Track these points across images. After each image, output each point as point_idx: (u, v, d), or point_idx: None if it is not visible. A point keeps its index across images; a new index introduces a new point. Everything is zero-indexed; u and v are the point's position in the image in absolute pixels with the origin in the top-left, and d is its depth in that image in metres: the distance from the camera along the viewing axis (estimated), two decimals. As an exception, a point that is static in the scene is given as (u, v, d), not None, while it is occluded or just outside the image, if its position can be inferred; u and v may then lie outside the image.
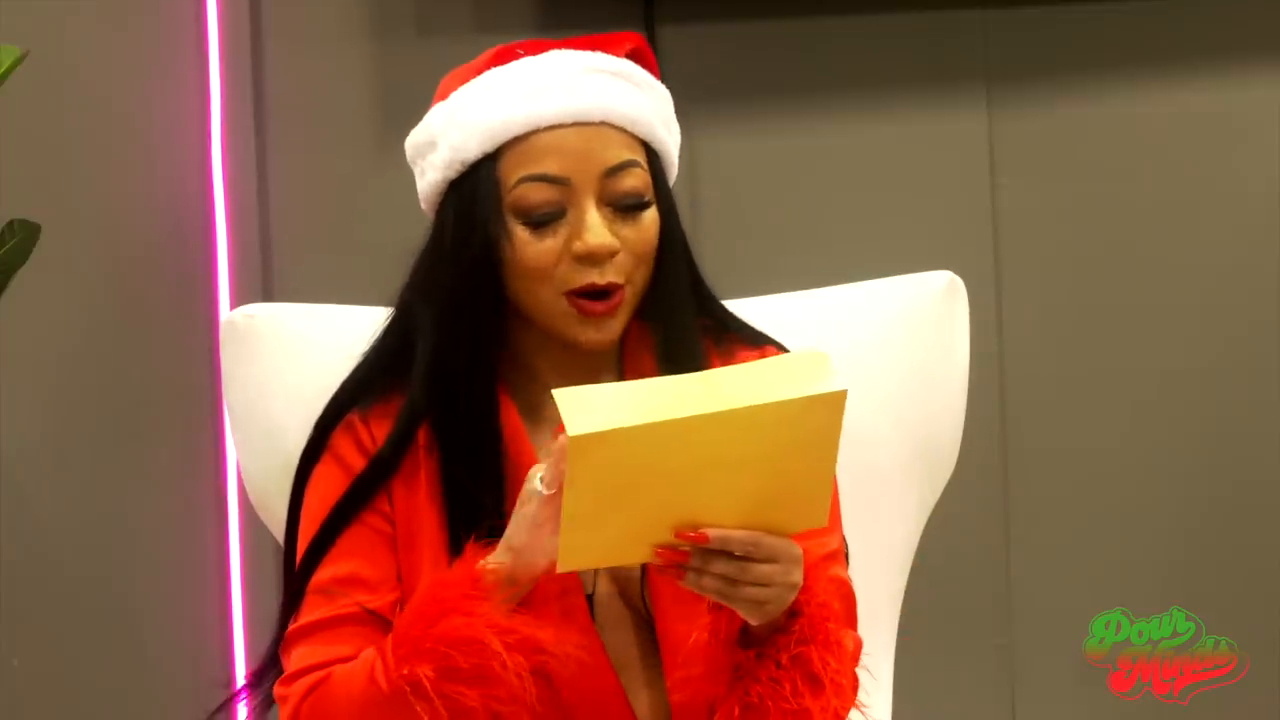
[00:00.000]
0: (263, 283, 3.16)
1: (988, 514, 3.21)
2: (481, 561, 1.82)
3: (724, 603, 1.78)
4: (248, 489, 2.28)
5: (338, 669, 1.86)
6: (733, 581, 1.75)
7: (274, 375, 2.24)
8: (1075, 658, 2.97)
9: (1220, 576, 3.21)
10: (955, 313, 2.32)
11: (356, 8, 3.18)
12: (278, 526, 2.22)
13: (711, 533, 1.73)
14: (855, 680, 1.90)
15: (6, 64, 2.75)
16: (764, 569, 1.75)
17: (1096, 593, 3.13)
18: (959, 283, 2.32)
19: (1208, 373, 3.22)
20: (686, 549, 1.74)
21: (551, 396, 1.94)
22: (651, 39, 3.14)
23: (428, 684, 1.78)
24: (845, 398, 1.69)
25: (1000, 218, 3.22)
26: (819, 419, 1.70)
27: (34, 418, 3.15)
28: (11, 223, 2.81)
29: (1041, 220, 3.22)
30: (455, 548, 1.88)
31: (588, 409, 1.66)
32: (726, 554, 1.74)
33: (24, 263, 2.81)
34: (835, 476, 1.76)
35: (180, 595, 3.16)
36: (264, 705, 1.98)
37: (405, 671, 1.79)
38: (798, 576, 1.78)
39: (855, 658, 1.90)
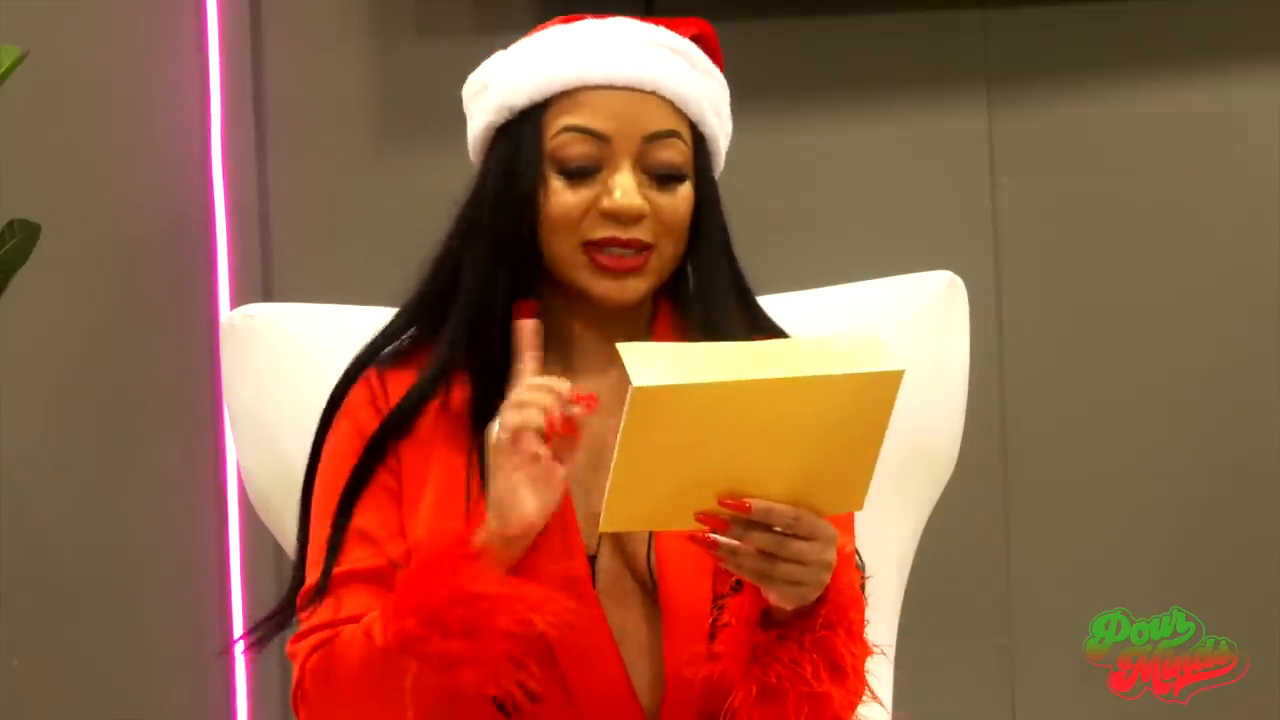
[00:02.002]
0: (263, 283, 3.16)
1: (988, 514, 3.20)
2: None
3: (758, 583, 1.78)
4: (248, 489, 2.29)
5: (346, 629, 1.88)
6: (770, 557, 1.75)
7: (274, 375, 2.24)
8: (1075, 658, 2.97)
9: (1220, 576, 3.21)
10: (955, 313, 2.32)
11: (356, 8, 3.18)
12: (277, 526, 2.22)
13: (754, 504, 1.73)
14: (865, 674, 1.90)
15: (6, 64, 2.76)
16: (801, 545, 1.75)
17: (1096, 593, 3.13)
18: (959, 283, 2.32)
19: (1208, 372, 3.22)
20: (727, 517, 1.74)
21: (575, 380, 1.95)
22: (651, 39, 3.14)
23: (416, 640, 1.79)
24: (901, 378, 1.70)
25: (1000, 218, 3.22)
26: (874, 397, 1.70)
27: (34, 418, 3.15)
28: (11, 223, 2.81)
29: (1041, 220, 3.22)
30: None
31: (652, 363, 1.67)
32: (766, 527, 1.75)
33: (24, 263, 2.81)
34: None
35: (180, 595, 3.16)
36: (259, 647, 1.99)
37: (395, 628, 1.80)
38: (832, 556, 1.78)
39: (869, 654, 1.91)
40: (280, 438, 2.18)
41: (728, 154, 2.11)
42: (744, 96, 3.18)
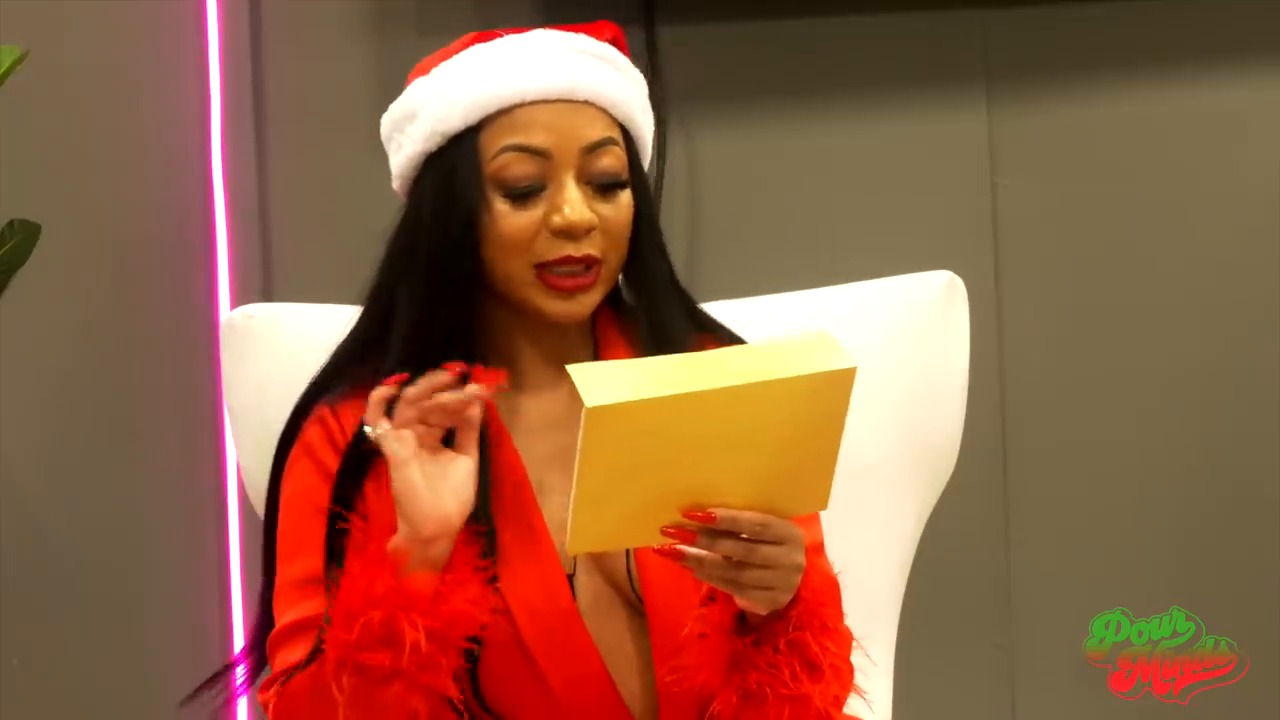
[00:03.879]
0: (263, 283, 3.16)
1: (988, 514, 3.20)
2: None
3: (729, 590, 1.78)
4: (248, 489, 2.29)
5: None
6: (739, 565, 1.75)
7: (274, 375, 2.24)
8: (1075, 658, 2.97)
9: (1220, 576, 3.21)
10: (955, 313, 2.32)
11: (356, 8, 3.18)
12: (277, 526, 2.22)
13: (719, 513, 1.73)
14: (852, 667, 1.90)
15: (6, 64, 2.76)
16: (770, 550, 1.75)
17: (1096, 593, 3.13)
18: (959, 283, 2.32)
19: (1208, 373, 3.22)
20: (694, 529, 1.74)
21: (527, 396, 1.96)
22: (651, 39, 3.14)
23: (341, 656, 1.79)
24: (855, 375, 1.70)
25: (1000, 218, 3.22)
26: (828, 396, 1.71)
27: (34, 417, 3.15)
28: (11, 223, 2.82)
29: (1041, 220, 3.22)
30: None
31: (603, 383, 1.67)
32: (733, 535, 1.74)
33: (24, 263, 2.81)
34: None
35: (180, 595, 3.16)
36: (246, 685, 1.99)
37: (325, 647, 1.81)
38: (801, 559, 1.79)
39: (849, 646, 1.91)
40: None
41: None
42: (744, 97, 3.19)
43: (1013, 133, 3.22)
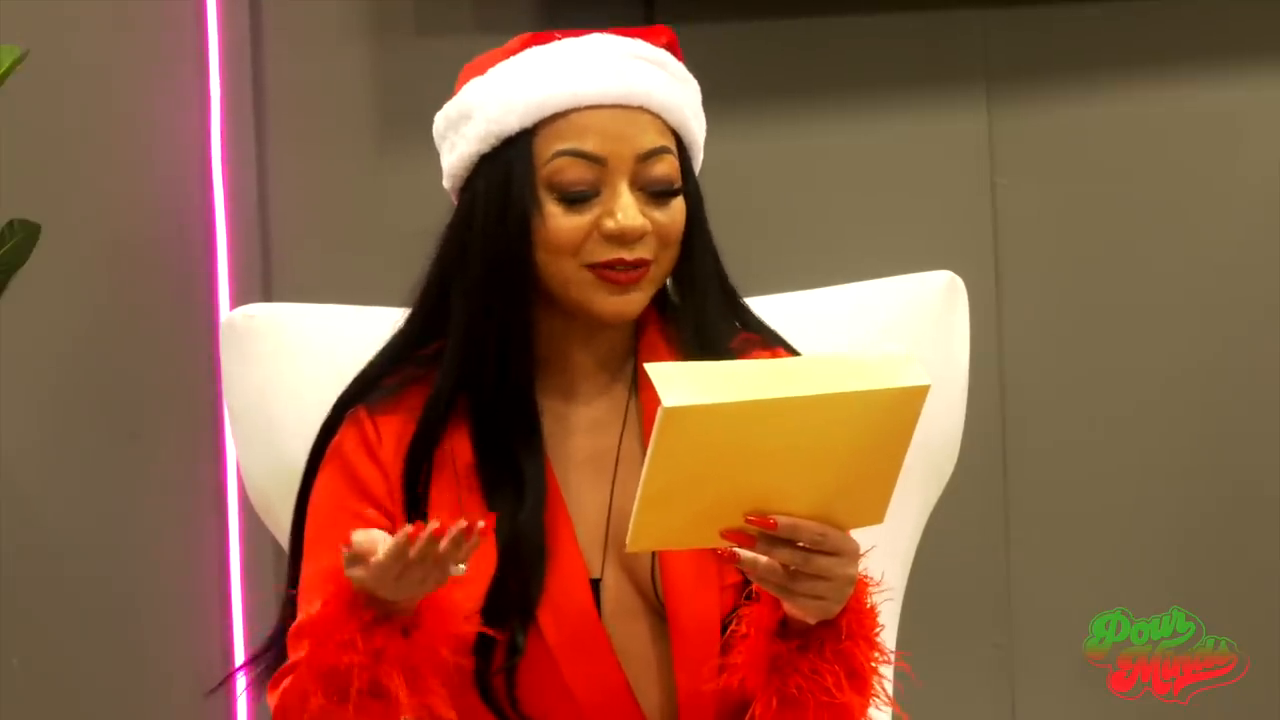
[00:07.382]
0: (263, 283, 3.16)
1: (988, 514, 3.21)
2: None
3: (781, 596, 1.78)
4: (248, 489, 2.29)
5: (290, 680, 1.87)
6: (794, 573, 1.75)
7: (274, 375, 2.24)
8: (1075, 658, 2.97)
9: (1220, 576, 3.21)
10: (955, 313, 2.32)
11: (356, 8, 3.18)
12: (278, 526, 2.22)
13: (781, 520, 1.73)
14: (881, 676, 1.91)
15: (6, 64, 2.76)
16: (825, 561, 1.75)
17: (1096, 593, 3.13)
18: (959, 283, 2.32)
19: (1208, 373, 3.22)
20: (754, 534, 1.74)
21: (569, 400, 1.96)
22: (651, 39, 3.14)
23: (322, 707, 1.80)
24: (927, 393, 1.70)
25: (1000, 218, 3.22)
26: (900, 413, 1.71)
27: (34, 418, 3.15)
28: (11, 223, 2.82)
29: (1041, 220, 3.23)
30: (500, 532, 1.89)
31: (681, 384, 1.67)
32: (791, 543, 1.75)
33: (24, 263, 2.81)
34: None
35: (180, 595, 3.16)
36: (260, 684, 1.99)
37: (300, 689, 1.82)
38: (855, 571, 1.79)
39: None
40: (280, 438, 2.18)
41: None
42: (744, 97, 3.19)
43: (1012, 132, 3.22)
